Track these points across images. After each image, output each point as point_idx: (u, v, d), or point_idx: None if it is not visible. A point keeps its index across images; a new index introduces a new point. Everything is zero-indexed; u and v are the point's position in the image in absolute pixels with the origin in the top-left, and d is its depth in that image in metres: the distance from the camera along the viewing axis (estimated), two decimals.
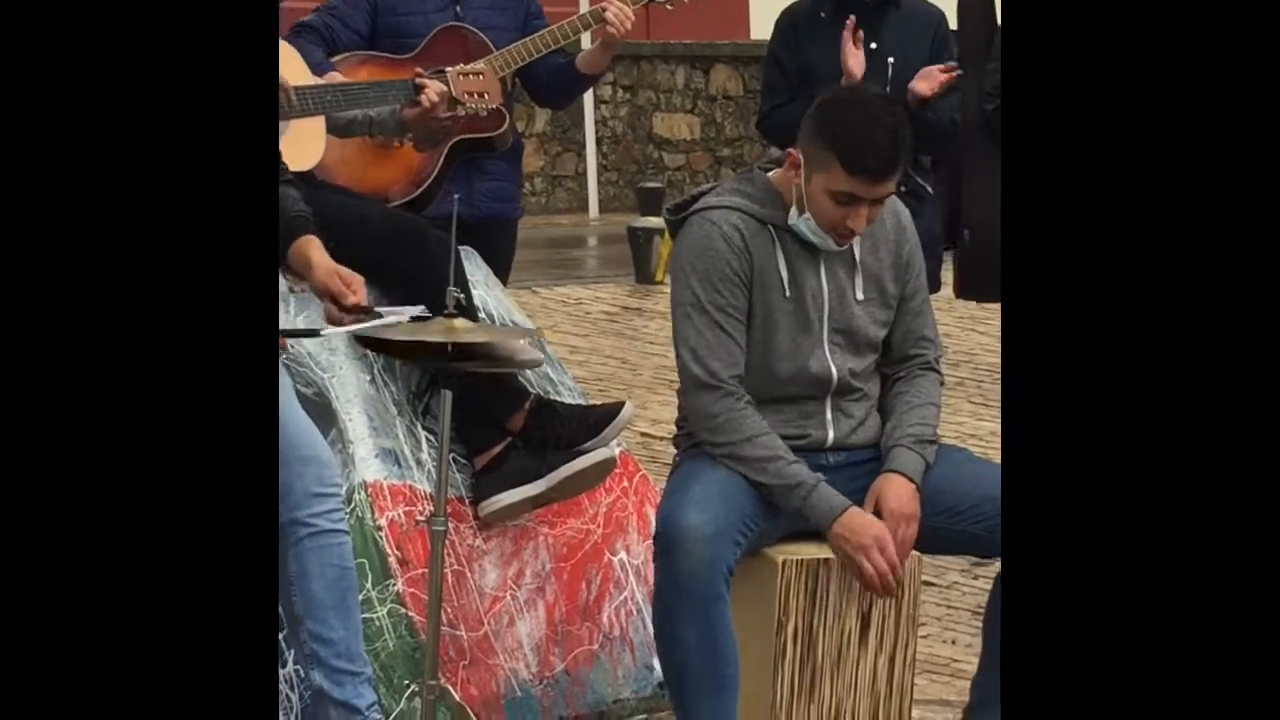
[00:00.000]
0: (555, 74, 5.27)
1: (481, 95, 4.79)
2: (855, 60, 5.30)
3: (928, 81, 5.36)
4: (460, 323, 3.69)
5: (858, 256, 3.97)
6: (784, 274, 3.90)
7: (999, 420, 8.06)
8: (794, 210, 3.88)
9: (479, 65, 4.88)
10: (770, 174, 3.97)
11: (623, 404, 4.41)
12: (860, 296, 3.97)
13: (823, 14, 5.48)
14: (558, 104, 5.92)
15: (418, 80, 4.70)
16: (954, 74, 5.36)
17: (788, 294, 3.90)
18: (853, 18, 5.32)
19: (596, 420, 4.33)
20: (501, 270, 5.07)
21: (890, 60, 5.36)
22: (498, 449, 4.31)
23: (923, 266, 4.10)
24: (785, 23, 5.59)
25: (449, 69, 4.78)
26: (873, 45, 5.38)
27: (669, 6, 5.34)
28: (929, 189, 5.44)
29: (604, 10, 5.07)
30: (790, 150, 3.92)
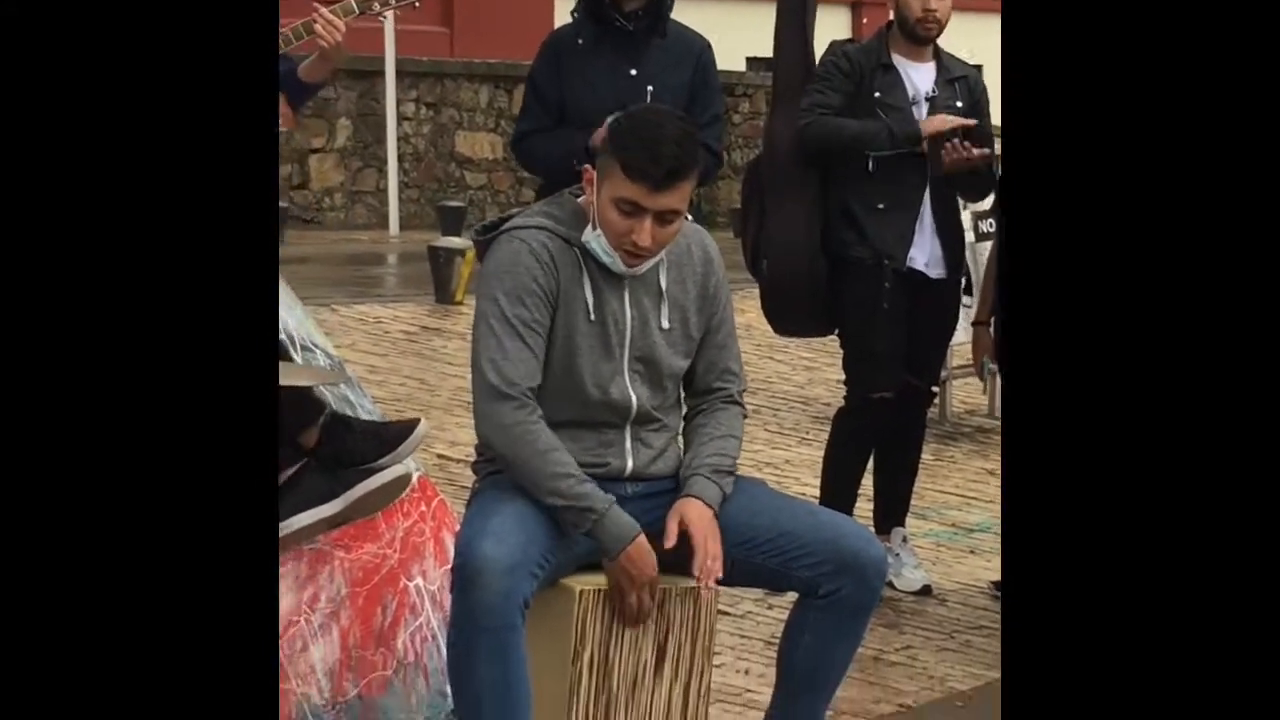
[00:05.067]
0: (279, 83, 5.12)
1: None
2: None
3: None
4: None
5: (664, 285, 3.98)
6: (589, 297, 3.89)
7: (792, 449, 8.17)
8: (589, 228, 3.89)
9: None
10: (580, 199, 3.98)
11: (418, 420, 4.35)
12: (665, 325, 3.97)
13: (580, 40, 5.51)
14: None
15: None
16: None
17: (591, 318, 3.89)
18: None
19: (391, 437, 4.27)
20: None
21: (649, 88, 5.39)
22: (292, 470, 4.25)
23: (729, 299, 4.11)
24: (549, 49, 5.58)
25: None
26: (632, 72, 5.42)
27: (417, 5, 5.12)
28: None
29: (313, 22, 4.96)
30: (586, 166, 3.95)
